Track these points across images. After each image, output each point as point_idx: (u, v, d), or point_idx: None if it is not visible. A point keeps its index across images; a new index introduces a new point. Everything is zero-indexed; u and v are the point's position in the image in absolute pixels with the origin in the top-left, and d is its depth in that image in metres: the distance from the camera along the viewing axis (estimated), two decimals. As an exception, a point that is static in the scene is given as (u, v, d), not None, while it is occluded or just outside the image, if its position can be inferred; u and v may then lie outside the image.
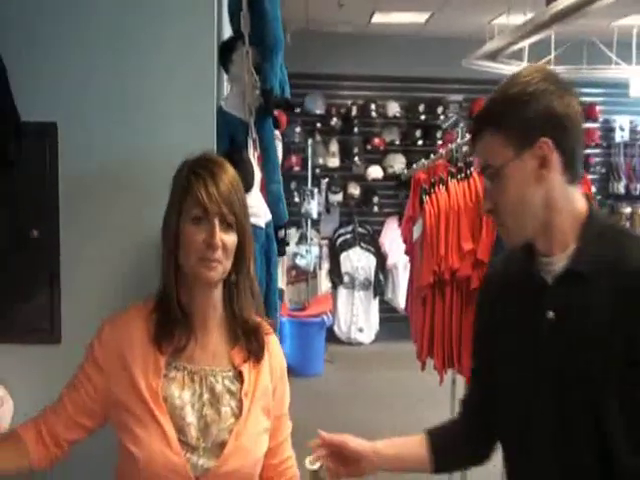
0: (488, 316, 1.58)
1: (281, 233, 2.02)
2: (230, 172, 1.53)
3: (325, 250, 7.66)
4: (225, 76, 2.12)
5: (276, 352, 1.63)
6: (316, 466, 1.66)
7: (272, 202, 1.99)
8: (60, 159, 2.01)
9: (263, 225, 1.91)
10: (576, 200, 1.41)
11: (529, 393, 1.44)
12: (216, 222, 1.46)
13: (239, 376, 1.54)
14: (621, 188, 8.04)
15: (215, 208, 1.46)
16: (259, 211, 1.90)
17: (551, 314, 1.40)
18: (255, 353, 1.56)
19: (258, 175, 1.95)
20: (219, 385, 1.52)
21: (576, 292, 1.38)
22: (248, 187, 1.90)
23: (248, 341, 1.55)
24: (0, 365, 2.02)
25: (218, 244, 1.46)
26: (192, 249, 1.47)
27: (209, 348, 1.53)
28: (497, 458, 1.63)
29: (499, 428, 1.56)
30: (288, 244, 6.91)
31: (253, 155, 1.97)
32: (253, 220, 1.87)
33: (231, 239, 1.49)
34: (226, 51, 2.02)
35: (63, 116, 1.99)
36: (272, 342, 1.62)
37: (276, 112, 2.07)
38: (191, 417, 1.48)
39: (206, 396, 1.50)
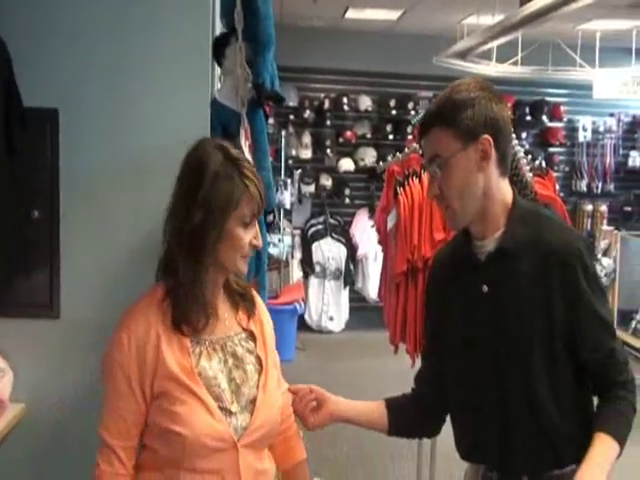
0: (436, 299, 1.82)
1: (270, 218, 2.15)
2: None
3: (297, 240, 7.79)
4: (218, 69, 2.24)
5: (264, 308, 1.78)
6: None
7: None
8: (61, 143, 2.11)
9: (254, 210, 2.03)
10: (506, 190, 1.67)
11: (472, 362, 1.69)
12: (256, 224, 1.60)
13: (251, 335, 1.68)
14: (583, 186, 8.28)
15: (261, 212, 1.60)
16: (250, 196, 2.03)
17: (485, 288, 1.65)
18: (251, 309, 1.70)
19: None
20: (239, 348, 1.64)
21: (504, 267, 1.63)
22: (240, 174, 2.03)
23: (244, 302, 1.69)
24: (1, 338, 2.13)
25: (262, 245, 1.62)
26: (240, 249, 1.56)
27: (221, 319, 1.64)
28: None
29: (449, 396, 1.78)
30: (279, 228, 7.05)
31: (245, 144, 2.09)
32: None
33: None
34: (219, 46, 2.13)
35: (64, 102, 2.09)
36: (256, 296, 1.75)
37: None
38: (224, 383, 1.58)
39: (231, 360, 1.61)
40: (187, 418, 1.51)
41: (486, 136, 1.59)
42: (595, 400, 1.69)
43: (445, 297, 1.76)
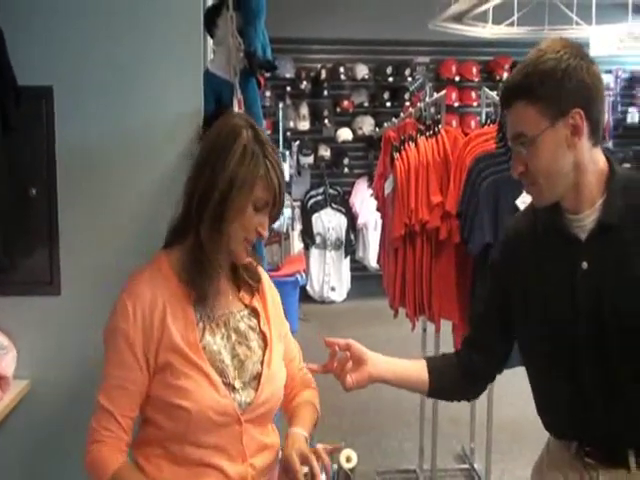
0: (511, 271, 1.68)
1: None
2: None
3: (297, 212, 7.78)
4: (211, 40, 2.24)
5: (270, 283, 1.76)
6: (351, 464, 1.64)
7: (257, 157, 2.11)
8: (57, 121, 2.11)
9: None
10: (599, 160, 1.54)
11: (568, 339, 1.57)
12: (267, 217, 1.57)
13: (253, 312, 1.67)
14: (581, 144, 8.25)
15: (277, 207, 1.57)
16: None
17: (585, 265, 1.52)
18: (256, 287, 1.69)
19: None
20: (242, 324, 1.63)
21: (607, 242, 1.51)
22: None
23: (250, 279, 1.68)
24: (3, 316, 2.15)
25: (265, 236, 1.58)
26: (244, 230, 1.54)
27: (223, 293, 1.63)
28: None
29: (532, 359, 1.69)
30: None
31: (238, 113, 2.09)
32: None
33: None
34: (211, 16, 2.13)
35: (59, 80, 2.09)
36: (263, 274, 1.74)
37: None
38: (227, 359, 1.58)
39: (234, 336, 1.61)
40: (192, 392, 1.51)
41: (577, 109, 1.46)
42: None
43: (526, 271, 1.64)
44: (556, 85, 1.45)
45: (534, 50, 1.51)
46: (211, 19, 2.12)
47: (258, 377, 1.61)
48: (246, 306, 1.66)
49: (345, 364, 1.65)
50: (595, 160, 1.53)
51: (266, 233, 1.58)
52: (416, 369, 1.75)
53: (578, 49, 1.51)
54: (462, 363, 1.77)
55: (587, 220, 1.54)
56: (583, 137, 1.48)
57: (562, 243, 1.57)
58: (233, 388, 1.57)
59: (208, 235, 1.53)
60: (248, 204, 1.53)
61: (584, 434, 1.61)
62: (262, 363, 1.62)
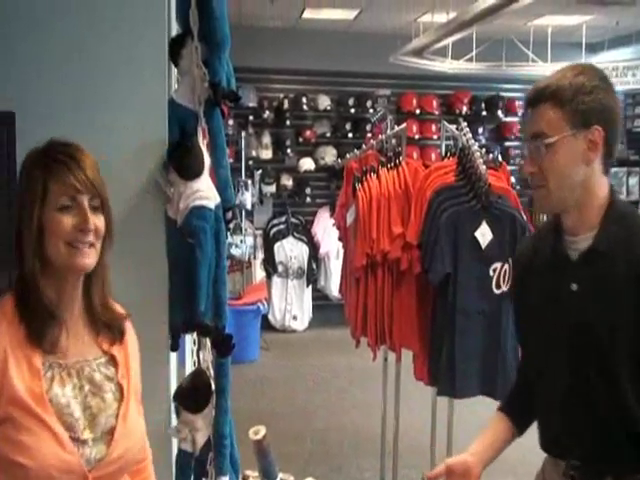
0: (518, 288, 1.81)
1: (229, 215, 2.17)
2: (86, 152, 1.49)
3: (259, 240, 7.80)
4: (175, 70, 2.26)
5: (134, 339, 1.64)
6: (259, 436, 1.75)
7: (221, 186, 2.13)
8: (18, 147, 2.10)
9: (213, 207, 2.05)
10: (605, 188, 1.61)
11: (554, 359, 1.65)
12: (86, 205, 1.44)
13: (111, 360, 1.54)
14: (539, 179, 8.41)
15: (84, 192, 1.43)
16: (209, 194, 2.05)
17: (575, 286, 1.60)
18: (119, 336, 1.57)
19: (207, 161, 2.09)
20: (97, 374, 1.51)
21: (597, 268, 1.58)
22: (199, 172, 2.05)
23: (111, 326, 1.56)
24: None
25: (91, 227, 1.44)
26: (61, 237, 1.42)
27: (79, 339, 1.51)
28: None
29: (532, 378, 1.78)
30: (240, 229, 7.02)
31: (202, 142, 2.10)
32: (204, 202, 2.03)
33: (101, 221, 1.47)
34: (176, 47, 2.15)
35: (21, 105, 2.08)
36: (128, 327, 1.61)
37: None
38: (77, 412, 1.44)
39: (87, 387, 1.48)
40: (33, 448, 1.37)
41: (598, 127, 1.53)
42: None
43: (528, 290, 1.73)
44: (584, 98, 1.53)
45: (568, 66, 1.60)
46: (176, 49, 2.14)
47: (112, 431, 1.47)
48: (104, 353, 1.54)
49: None
50: (602, 187, 1.60)
51: (89, 225, 1.43)
52: (503, 428, 1.83)
53: (606, 75, 1.60)
54: (521, 392, 1.86)
55: (582, 244, 1.60)
56: (597, 157, 1.56)
57: (557, 263, 1.64)
58: (82, 443, 1.43)
59: (20, 282, 1.44)
60: (48, 213, 1.42)
61: (567, 454, 1.66)
62: (117, 417, 1.49)
